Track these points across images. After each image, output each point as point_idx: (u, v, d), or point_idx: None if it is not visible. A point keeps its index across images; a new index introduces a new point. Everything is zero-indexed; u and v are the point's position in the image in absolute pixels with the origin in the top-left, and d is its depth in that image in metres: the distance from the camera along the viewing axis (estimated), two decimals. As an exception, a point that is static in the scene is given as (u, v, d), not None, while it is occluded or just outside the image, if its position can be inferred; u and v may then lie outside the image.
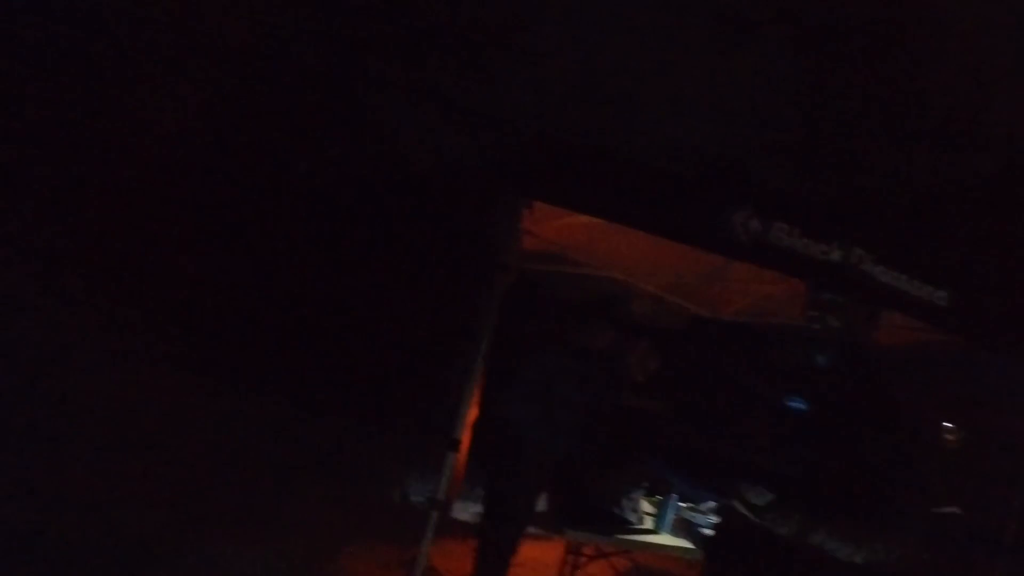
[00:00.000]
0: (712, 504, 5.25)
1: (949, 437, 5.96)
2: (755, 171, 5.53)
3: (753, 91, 5.48)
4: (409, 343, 4.21)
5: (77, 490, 3.53)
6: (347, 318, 4.06)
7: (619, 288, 5.05)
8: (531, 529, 4.62)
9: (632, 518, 5.11)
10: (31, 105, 3.87)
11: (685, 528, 5.21)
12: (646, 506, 5.21)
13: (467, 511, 5.07)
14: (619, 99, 5.22)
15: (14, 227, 3.76)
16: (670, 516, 5.20)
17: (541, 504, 4.71)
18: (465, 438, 4.29)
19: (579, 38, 5.09)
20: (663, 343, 5.26)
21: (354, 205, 4.04)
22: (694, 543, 5.10)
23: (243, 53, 4.20)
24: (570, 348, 4.63)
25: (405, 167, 4.07)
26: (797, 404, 5.28)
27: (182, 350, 3.89)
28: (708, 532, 5.13)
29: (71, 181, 3.80)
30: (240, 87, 4.10)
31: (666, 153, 5.33)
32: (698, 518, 5.24)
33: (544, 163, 4.41)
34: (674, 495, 5.22)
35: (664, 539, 5.12)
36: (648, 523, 5.17)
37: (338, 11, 4.44)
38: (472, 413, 4.36)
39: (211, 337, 3.91)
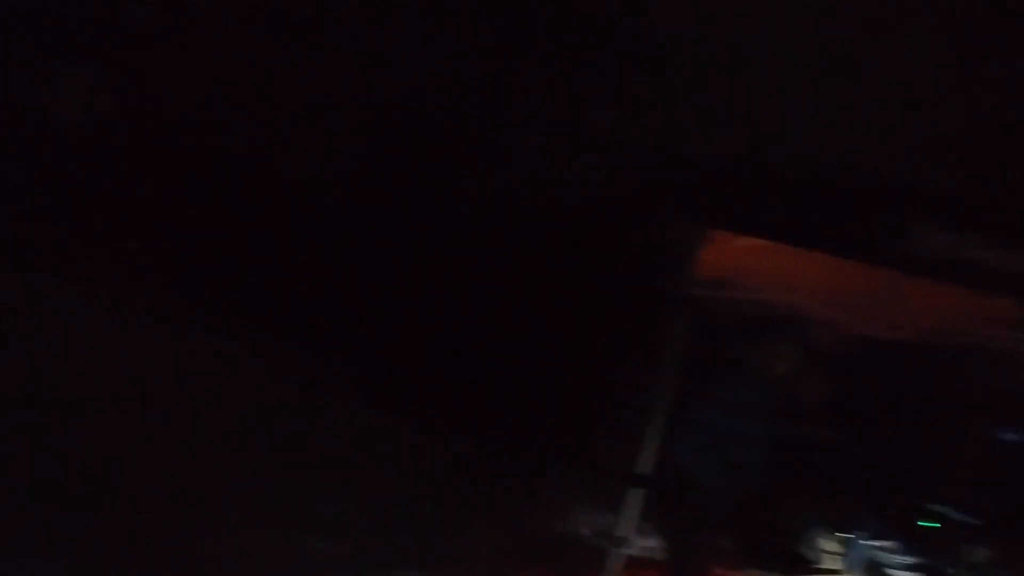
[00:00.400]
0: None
1: None
2: (932, 182, 5.13)
3: (917, 95, 5.09)
4: (584, 377, 4.13)
5: (265, 517, 3.63)
6: (521, 352, 4.04)
7: (791, 311, 4.79)
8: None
9: (816, 557, 4.79)
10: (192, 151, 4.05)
11: (874, 569, 4.84)
12: (832, 545, 4.88)
13: (636, 545, 4.90)
14: (776, 116, 4.97)
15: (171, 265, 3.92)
16: (858, 555, 4.83)
17: (723, 541, 4.48)
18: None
19: (724, 54, 4.89)
20: (836, 367, 4.94)
21: (525, 243, 4.03)
22: (884, 585, 4.72)
23: (399, 98, 4.30)
24: (748, 377, 4.40)
25: (572, 204, 4.04)
26: (1012, 435, 4.77)
27: (359, 386, 3.99)
28: (899, 574, 4.73)
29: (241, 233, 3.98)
30: (396, 130, 4.21)
31: (832, 169, 5.03)
32: (888, 558, 4.85)
33: (713, 188, 4.28)
34: (861, 533, 4.85)
35: (851, 580, 4.76)
36: (834, 563, 4.83)
37: (483, 50, 4.47)
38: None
39: (384, 372, 4.00)
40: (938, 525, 4.67)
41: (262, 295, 3.78)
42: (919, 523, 4.75)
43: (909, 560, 4.71)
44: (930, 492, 4.81)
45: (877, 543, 4.91)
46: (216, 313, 3.68)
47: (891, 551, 4.86)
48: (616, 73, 4.42)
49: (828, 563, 4.84)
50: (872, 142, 4.97)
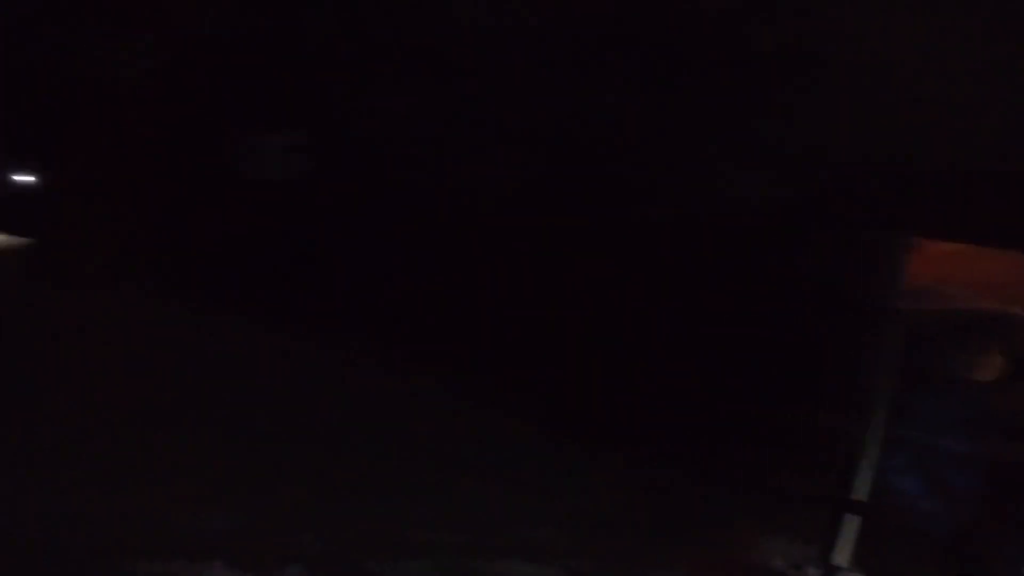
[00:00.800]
0: None
1: None
2: None
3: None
4: (787, 397, 3.96)
5: (475, 542, 3.65)
6: (722, 374, 3.92)
7: (997, 317, 4.43)
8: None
9: (1041, 591, 4.32)
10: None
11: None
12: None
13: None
14: (972, 117, 4.63)
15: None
16: (1089, 588, 4.33)
17: (935, 572, 4.14)
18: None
19: (887, 47, 4.59)
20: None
21: (725, 264, 3.93)
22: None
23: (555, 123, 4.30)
24: (957, 390, 4.08)
25: (768, 221, 3.91)
26: None
27: (561, 414, 4.00)
28: None
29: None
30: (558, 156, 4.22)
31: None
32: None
33: (912, 195, 4.05)
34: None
35: (1083, 616, 4.26)
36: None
37: (654, 72, 4.38)
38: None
39: (585, 400, 3.99)
40: None
41: (469, 334, 3.88)
42: None
43: None
44: None
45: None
46: (434, 353, 3.81)
47: None
48: (801, 87, 4.26)
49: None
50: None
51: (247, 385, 3.77)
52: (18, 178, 6.37)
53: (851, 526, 3.63)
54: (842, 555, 3.68)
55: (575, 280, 3.98)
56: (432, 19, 3.90)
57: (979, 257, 4.36)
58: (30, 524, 2.80)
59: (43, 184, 6.03)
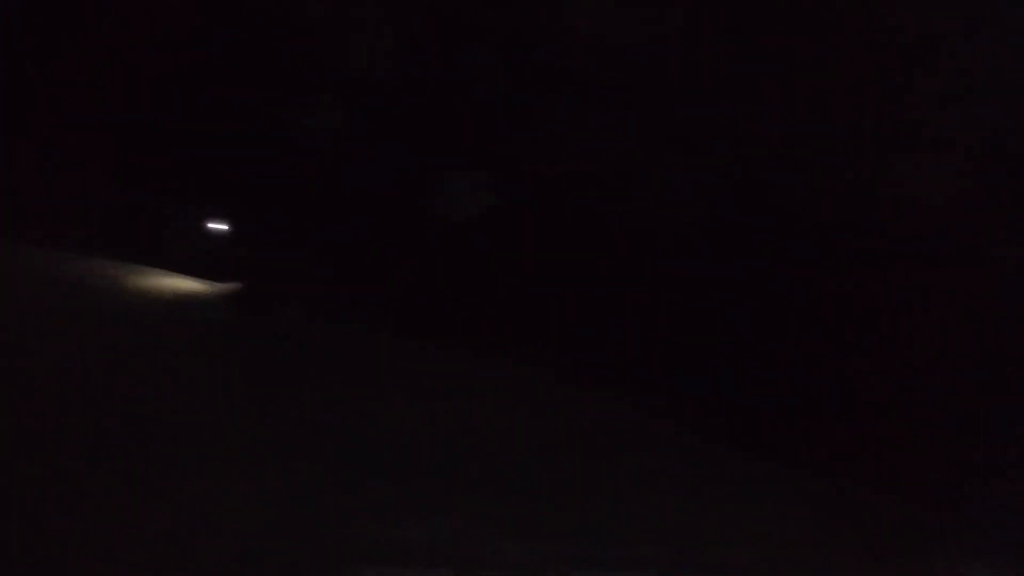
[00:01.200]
0: None
1: None
2: None
3: None
4: (989, 410, 3.79)
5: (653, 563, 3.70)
6: (914, 383, 3.81)
7: None
8: None
9: None
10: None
11: None
12: None
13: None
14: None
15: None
16: None
17: None
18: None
19: None
20: None
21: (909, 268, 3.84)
22: None
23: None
24: None
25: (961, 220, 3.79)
26: None
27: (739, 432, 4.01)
28: None
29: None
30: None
31: None
32: None
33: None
34: None
35: None
36: None
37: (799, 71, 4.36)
38: None
39: (773, 420, 3.98)
40: None
41: (667, 356, 3.98)
42: None
43: None
44: None
45: None
46: (635, 376, 3.96)
47: None
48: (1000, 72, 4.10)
49: None
50: None
51: (456, 407, 4.06)
52: (212, 226, 7.12)
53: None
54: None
55: (768, 296, 3.98)
56: (599, 49, 4.09)
57: None
58: (267, 529, 3.13)
59: (239, 231, 6.70)
